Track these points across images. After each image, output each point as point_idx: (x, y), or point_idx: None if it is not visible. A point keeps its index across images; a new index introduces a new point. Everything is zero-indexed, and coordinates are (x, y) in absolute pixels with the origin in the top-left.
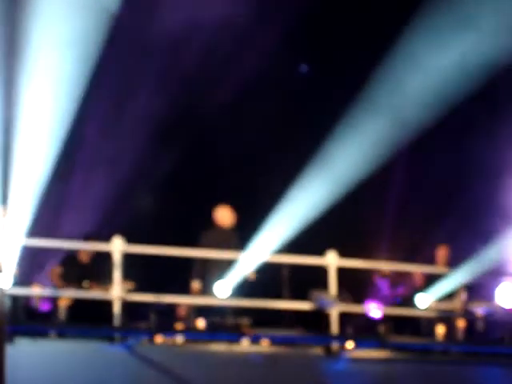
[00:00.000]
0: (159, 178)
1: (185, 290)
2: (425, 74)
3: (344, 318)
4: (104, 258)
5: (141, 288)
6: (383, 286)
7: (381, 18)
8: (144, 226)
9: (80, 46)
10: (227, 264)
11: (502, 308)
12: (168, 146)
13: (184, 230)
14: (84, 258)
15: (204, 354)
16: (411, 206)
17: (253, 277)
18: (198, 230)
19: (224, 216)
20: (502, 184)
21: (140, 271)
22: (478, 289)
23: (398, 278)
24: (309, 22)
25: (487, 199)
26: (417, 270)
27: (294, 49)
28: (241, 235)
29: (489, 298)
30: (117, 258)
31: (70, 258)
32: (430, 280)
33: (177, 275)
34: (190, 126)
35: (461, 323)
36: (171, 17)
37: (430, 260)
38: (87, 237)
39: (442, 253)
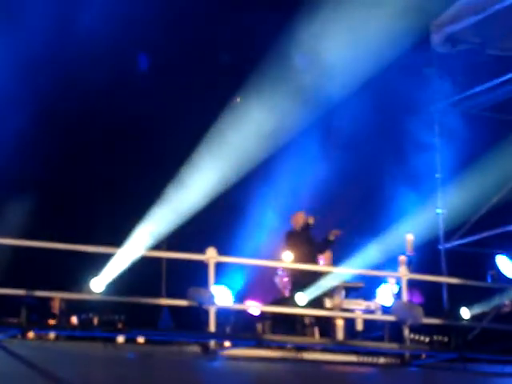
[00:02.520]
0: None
1: (59, 284)
2: None
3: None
4: None
5: (12, 282)
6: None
7: None
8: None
9: None
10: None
11: (382, 306)
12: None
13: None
14: None
15: (77, 351)
16: None
17: None
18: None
19: None
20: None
21: (10, 265)
22: (357, 288)
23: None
24: None
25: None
26: (300, 267)
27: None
28: (121, 230)
29: (368, 297)
30: None
31: None
32: (313, 278)
33: (50, 269)
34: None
35: (339, 322)
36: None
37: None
38: None
39: (326, 255)
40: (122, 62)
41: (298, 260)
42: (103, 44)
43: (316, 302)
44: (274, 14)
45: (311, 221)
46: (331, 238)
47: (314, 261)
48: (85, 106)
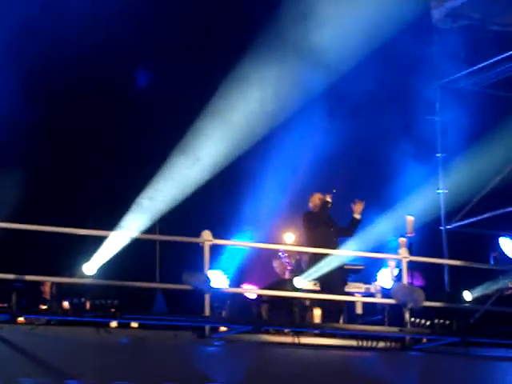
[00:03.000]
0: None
1: (50, 268)
2: None
3: None
4: None
5: (1, 266)
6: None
7: None
8: None
9: None
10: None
11: (383, 289)
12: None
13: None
14: None
15: (69, 336)
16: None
17: None
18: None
19: None
20: None
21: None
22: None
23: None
24: None
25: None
26: (303, 250)
27: None
28: (113, 214)
29: (369, 279)
30: None
31: None
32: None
33: (41, 253)
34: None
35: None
36: None
37: None
38: None
39: None
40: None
41: (317, 242)
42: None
43: None
44: None
45: (329, 199)
46: (358, 216)
47: (334, 241)
48: (74, 88)
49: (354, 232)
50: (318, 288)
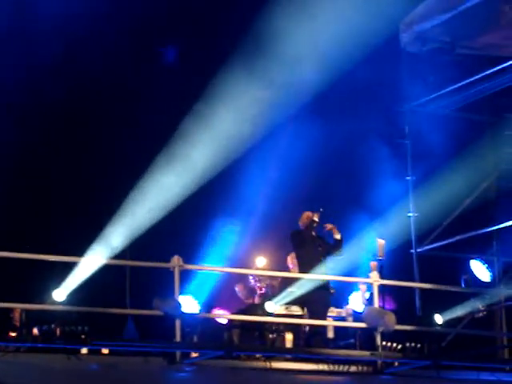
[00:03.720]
0: None
1: (19, 295)
2: None
3: None
4: None
5: None
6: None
7: None
8: None
9: None
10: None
11: (354, 313)
12: None
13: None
14: None
15: (39, 363)
16: None
17: None
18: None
19: None
20: None
21: None
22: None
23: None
24: None
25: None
26: (273, 274)
27: None
28: (83, 240)
29: (340, 303)
30: None
31: None
32: (285, 286)
33: (10, 279)
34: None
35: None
36: None
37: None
38: None
39: (294, 260)
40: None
41: (302, 261)
42: None
43: None
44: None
45: (316, 218)
46: (337, 236)
47: (321, 261)
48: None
49: (340, 249)
50: (289, 312)
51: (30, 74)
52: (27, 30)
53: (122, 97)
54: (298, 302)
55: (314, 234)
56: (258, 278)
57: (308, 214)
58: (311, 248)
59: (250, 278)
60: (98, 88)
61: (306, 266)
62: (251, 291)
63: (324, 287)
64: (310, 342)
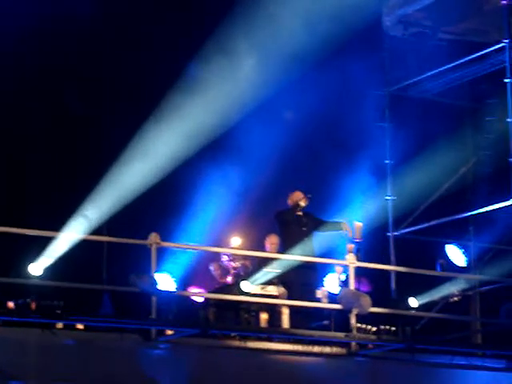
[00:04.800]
0: None
1: None
2: None
3: None
4: None
5: None
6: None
7: None
8: None
9: None
10: None
11: (330, 294)
12: None
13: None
14: None
15: (14, 337)
16: None
17: None
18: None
19: None
20: None
21: None
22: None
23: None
24: None
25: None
26: (249, 254)
27: None
28: (61, 215)
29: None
30: None
31: None
32: (260, 266)
33: None
34: None
35: (285, 310)
36: None
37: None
38: None
39: (272, 240)
40: None
41: (285, 241)
42: None
43: None
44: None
45: (303, 203)
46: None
47: (305, 240)
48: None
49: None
50: (265, 292)
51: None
52: None
53: (97, 78)
54: (278, 281)
55: (299, 213)
56: (232, 258)
57: (298, 194)
58: (296, 229)
59: (225, 257)
60: (72, 68)
61: (288, 247)
62: (225, 270)
63: (308, 267)
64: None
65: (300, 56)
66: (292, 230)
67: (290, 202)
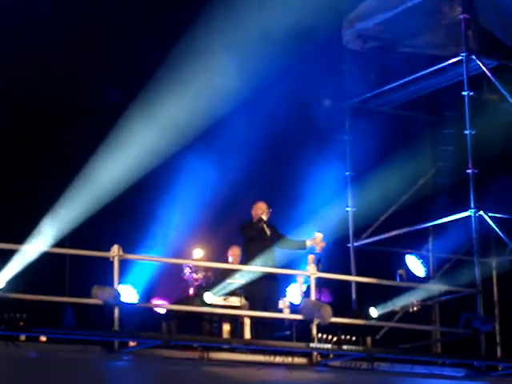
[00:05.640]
0: None
1: None
2: None
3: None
4: None
5: None
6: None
7: None
8: None
9: None
10: None
11: (291, 305)
12: None
13: None
14: None
15: None
16: None
17: None
18: None
19: None
20: None
21: None
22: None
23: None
24: None
25: None
26: (212, 265)
27: None
28: (24, 227)
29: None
30: None
31: None
32: (222, 277)
33: None
34: None
35: (247, 321)
36: None
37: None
38: None
39: (234, 252)
40: None
41: (248, 254)
42: None
43: None
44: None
45: (264, 217)
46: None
47: (267, 252)
48: None
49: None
50: (227, 303)
51: None
52: None
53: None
54: (240, 292)
55: (264, 225)
56: (195, 269)
57: (261, 206)
58: (259, 241)
59: (187, 269)
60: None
61: (250, 258)
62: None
63: (270, 278)
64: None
65: (261, 67)
66: (255, 242)
67: (253, 213)
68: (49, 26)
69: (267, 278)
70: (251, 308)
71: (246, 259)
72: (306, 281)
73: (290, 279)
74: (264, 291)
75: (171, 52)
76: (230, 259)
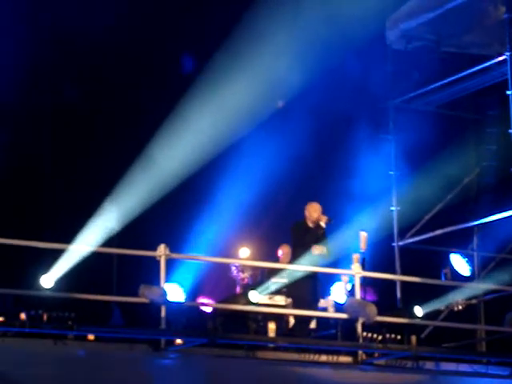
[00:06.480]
0: None
1: (7, 280)
2: None
3: None
4: None
5: None
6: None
7: None
8: None
9: None
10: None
11: (336, 304)
12: None
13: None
14: None
15: (26, 348)
16: None
17: None
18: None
19: None
20: None
21: None
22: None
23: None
24: None
25: None
26: (259, 265)
27: None
28: (72, 227)
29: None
30: None
31: None
32: (268, 276)
33: None
34: None
35: (292, 320)
36: None
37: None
38: None
39: (284, 251)
40: None
41: (299, 253)
42: None
43: None
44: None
45: (323, 223)
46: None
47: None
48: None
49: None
50: (272, 302)
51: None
52: None
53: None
54: (284, 291)
55: (322, 234)
56: (241, 269)
57: (316, 207)
58: (309, 240)
59: (233, 268)
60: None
61: (298, 257)
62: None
63: (311, 277)
64: (294, 332)
65: (308, 67)
66: (307, 245)
67: (306, 213)
68: None
69: (311, 276)
70: (295, 306)
71: (294, 260)
72: (351, 280)
73: (334, 277)
74: (308, 290)
75: (237, 35)
76: (280, 256)
